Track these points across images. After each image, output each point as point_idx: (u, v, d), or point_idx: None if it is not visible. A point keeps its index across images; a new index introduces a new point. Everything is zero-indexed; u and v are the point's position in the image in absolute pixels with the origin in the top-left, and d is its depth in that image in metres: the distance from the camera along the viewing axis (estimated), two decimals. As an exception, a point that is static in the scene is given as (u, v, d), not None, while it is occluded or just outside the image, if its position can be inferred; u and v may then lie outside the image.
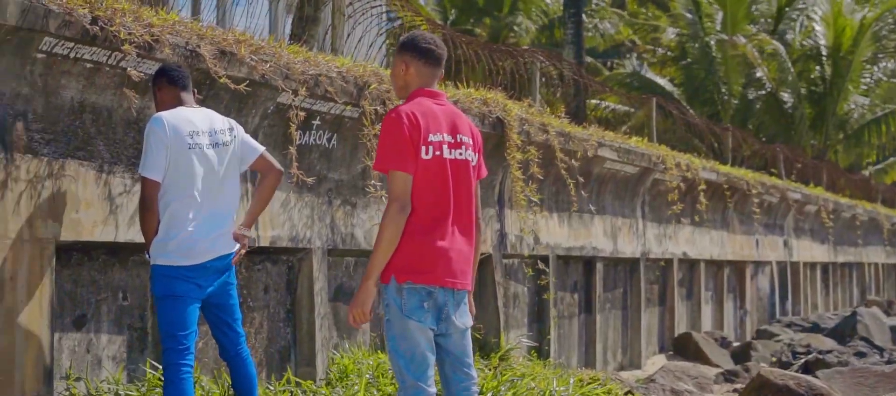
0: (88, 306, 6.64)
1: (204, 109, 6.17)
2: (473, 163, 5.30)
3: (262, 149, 6.23)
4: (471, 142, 5.29)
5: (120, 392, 6.55)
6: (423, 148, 5.07)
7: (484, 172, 5.43)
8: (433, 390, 5.17)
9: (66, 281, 6.48)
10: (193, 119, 5.95)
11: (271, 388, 7.53)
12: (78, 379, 6.48)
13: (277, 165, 6.24)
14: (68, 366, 6.46)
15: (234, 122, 6.20)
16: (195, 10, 10.87)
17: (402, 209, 5.01)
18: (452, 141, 5.19)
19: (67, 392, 6.38)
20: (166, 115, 5.88)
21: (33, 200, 5.97)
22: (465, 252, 5.23)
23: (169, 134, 5.80)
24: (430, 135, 5.10)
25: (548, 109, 12.10)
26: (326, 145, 8.25)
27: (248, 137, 6.21)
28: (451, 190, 5.15)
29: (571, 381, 8.94)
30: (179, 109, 5.99)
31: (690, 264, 16.64)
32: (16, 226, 5.87)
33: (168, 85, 6.08)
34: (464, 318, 5.28)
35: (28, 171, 5.95)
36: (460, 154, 5.22)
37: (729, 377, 13.14)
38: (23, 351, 5.92)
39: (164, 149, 5.79)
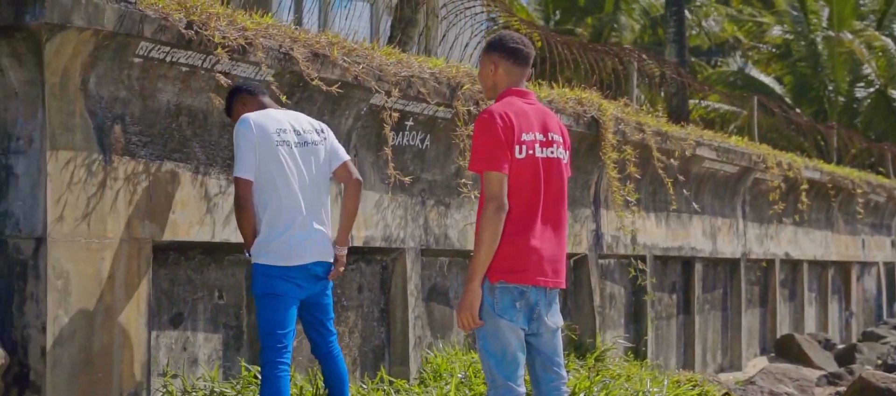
0: (185, 305, 6.78)
1: (292, 111, 6.27)
2: (564, 161, 5.32)
3: (346, 157, 6.27)
4: (561, 140, 5.31)
5: (215, 389, 6.67)
6: (517, 147, 5.10)
7: (570, 171, 5.44)
8: (523, 390, 5.18)
9: (163, 280, 6.63)
10: (279, 118, 6.05)
11: (364, 387, 7.61)
12: (174, 377, 6.62)
13: (357, 175, 6.27)
14: (165, 364, 6.61)
15: (325, 126, 6.28)
16: (298, 13, 11.02)
17: (499, 208, 5.03)
18: (544, 139, 5.21)
19: (164, 389, 6.52)
20: (252, 116, 5.98)
21: (131, 201, 6.12)
22: (557, 250, 5.25)
23: (255, 132, 5.90)
24: (523, 134, 5.12)
25: (644, 108, 11.99)
26: (419, 146, 8.31)
27: (337, 143, 6.28)
28: (542, 188, 5.17)
29: (666, 382, 8.88)
30: (266, 110, 6.10)
31: (793, 265, 16.39)
32: (114, 227, 6.02)
33: (249, 96, 6.20)
34: (555, 317, 5.30)
35: (126, 173, 6.10)
36: (552, 152, 5.23)
37: (831, 379, 12.91)
38: (121, 349, 6.07)
39: (252, 148, 5.89)
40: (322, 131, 6.19)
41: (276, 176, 5.92)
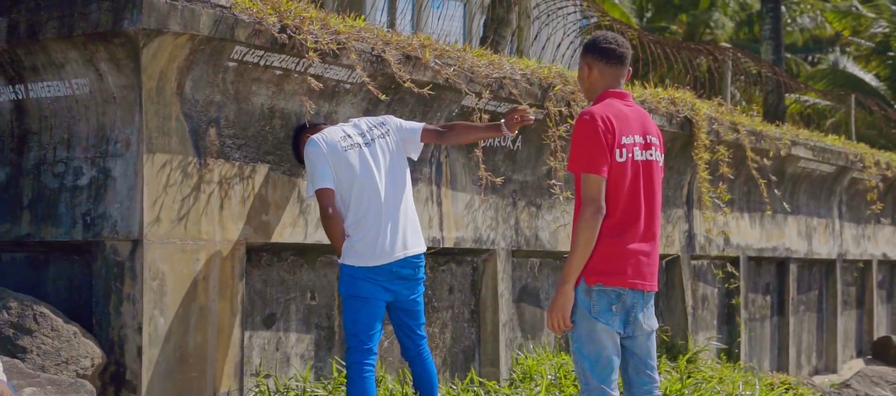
0: (278, 305, 6.86)
1: (351, 119, 6.38)
2: (661, 163, 5.30)
3: (421, 124, 6.42)
4: (658, 143, 5.30)
5: (307, 389, 6.74)
6: (618, 151, 5.08)
7: (663, 172, 5.41)
8: (616, 393, 5.16)
9: (257, 281, 6.71)
10: (340, 128, 6.21)
11: (455, 387, 7.63)
12: (267, 376, 6.70)
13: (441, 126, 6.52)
14: (258, 363, 6.69)
15: (383, 117, 6.38)
16: (391, 15, 11.09)
17: (597, 212, 5.01)
18: (643, 142, 5.19)
19: (257, 389, 6.60)
20: (316, 135, 6.17)
21: (225, 203, 6.21)
22: (653, 253, 5.23)
23: (324, 147, 6.05)
24: (623, 137, 5.10)
25: (739, 108, 11.86)
26: (511, 147, 8.31)
27: (402, 121, 6.40)
28: (642, 191, 5.15)
29: (758, 385, 8.77)
30: (326, 128, 6.24)
31: (891, 266, 16.08)
32: (209, 228, 6.12)
33: (312, 130, 6.37)
34: (650, 320, 5.27)
35: (220, 175, 6.19)
36: (650, 155, 5.21)
37: (930, 383, 12.68)
38: (215, 349, 6.16)
39: (325, 161, 6.03)
40: (383, 124, 6.28)
41: (351, 180, 6.03)
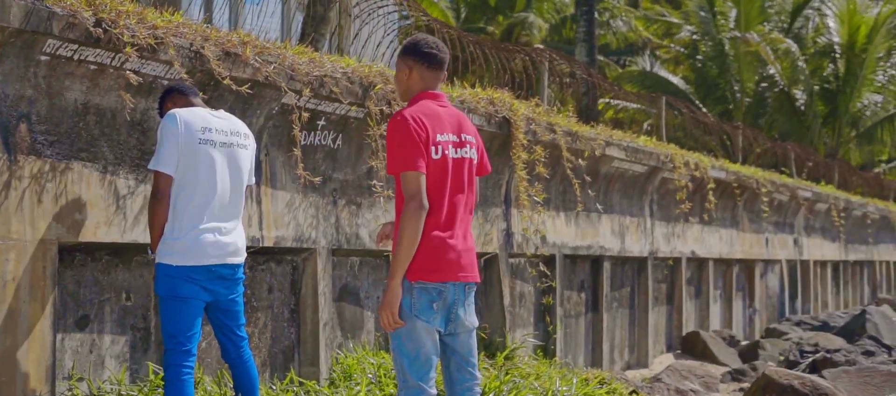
0: (91, 307, 6.68)
1: (223, 112, 6.21)
2: (476, 161, 5.38)
3: (252, 181, 6.31)
4: (474, 141, 5.39)
5: (122, 392, 6.58)
6: (433, 148, 5.13)
7: (488, 168, 5.50)
8: (434, 391, 5.20)
9: (69, 281, 6.52)
10: (207, 117, 5.99)
11: (274, 388, 7.56)
12: (80, 380, 6.51)
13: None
14: (71, 367, 6.50)
15: (251, 134, 6.23)
16: (208, 11, 10.90)
17: (419, 207, 5.07)
18: (457, 140, 5.28)
19: (69, 393, 6.42)
20: (180, 111, 5.92)
21: (37, 201, 6.01)
22: (470, 246, 5.34)
23: (181, 129, 5.84)
24: (437, 135, 5.18)
25: (555, 108, 12.08)
26: (331, 145, 8.27)
27: (253, 162, 6.26)
28: (457, 188, 5.25)
29: (575, 381, 8.95)
30: (195, 108, 6.03)
31: (699, 263, 16.63)
32: (19, 228, 5.91)
33: (180, 96, 6.15)
34: (471, 318, 5.34)
35: (31, 172, 5.98)
36: (465, 153, 5.30)
37: (736, 376, 13.15)
38: (25, 352, 5.96)
39: (175, 144, 5.82)
40: (248, 137, 6.16)
41: (192, 173, 5.85)
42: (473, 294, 5.39)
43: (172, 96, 6.18)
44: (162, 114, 6.21)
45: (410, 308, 5.13)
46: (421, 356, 5.15)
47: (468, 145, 5.33)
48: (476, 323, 5.40)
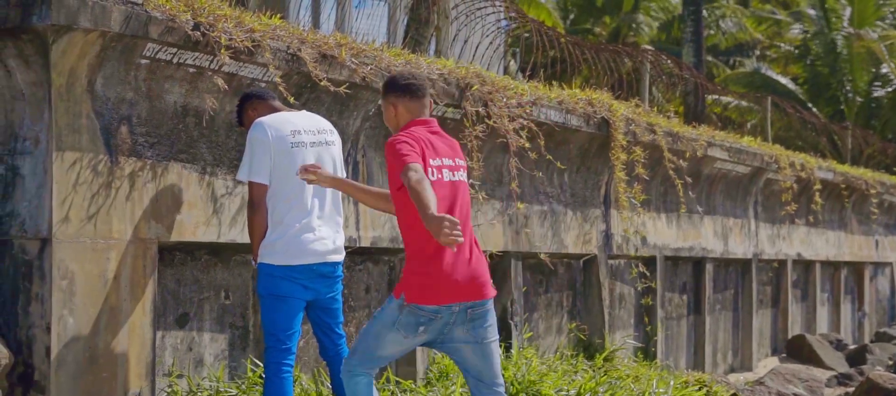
0: (191, 305, 6.81)
1: (305, 112, 6.29)
2: (468, 184, 5.50)
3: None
4: (465, 164, 5.50)
5: (220, 389, 6.70)
6: (429, 171, 5.22)
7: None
8: (371, 375, 5.45)
9: (169, 280, 6.66)
10: (293, 120, 6.07)
11: (370, 387, 7.61)
12: (179, 376, 6.65)
13: None
14: (171, 364, 6.64)
15: (334, 129, 6.30)
16: (315, 14, 11.05)
17: (422, 175, 5.05)
18: (452, 164, 5.40)
19: (169, 389, 6.55)
20: (266, 120, 6.01)
21: (137, 202, 6.15)
22: (473, 265, 5.32)
23: (271, 136, 5.92)
24: (431, 160, 5.28)
25: (656, 109, 11.99)
26: (428, 146, 8.30)
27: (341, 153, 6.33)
28: (457, 209, 5.30)
29: (672, 383, 8.88)
30: (278, 113, 6.12)
31: (805, 265, 16.36)
32: (120, 227, 6.06)
33: (260, 101, 6.22)
34: (481, 332, 5.38)
35: (132, 173, 6.12)
36: (460, 176, 5.41)
37: (842, 380, 12.91)
38: (126, 349, 6.10)
39: (267, 152, 5.91)
40: (333, 132, 6.23)
41: (288, 176, 5.93)
42: (489, 310, 5.38)
43: (252, 102, 6.25)
44: (240, 121, 6.32)
45: (393, 323, 5.28)
46: (376, 352, 5.39)
47: (461, 169, 5.42)
48: (492, 337, 5.41)
